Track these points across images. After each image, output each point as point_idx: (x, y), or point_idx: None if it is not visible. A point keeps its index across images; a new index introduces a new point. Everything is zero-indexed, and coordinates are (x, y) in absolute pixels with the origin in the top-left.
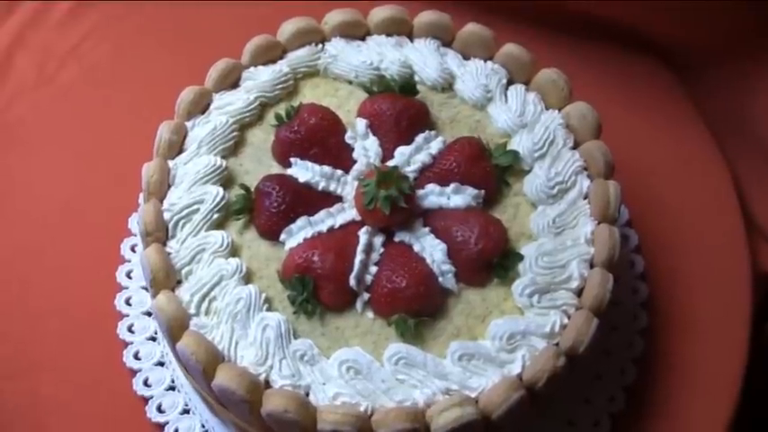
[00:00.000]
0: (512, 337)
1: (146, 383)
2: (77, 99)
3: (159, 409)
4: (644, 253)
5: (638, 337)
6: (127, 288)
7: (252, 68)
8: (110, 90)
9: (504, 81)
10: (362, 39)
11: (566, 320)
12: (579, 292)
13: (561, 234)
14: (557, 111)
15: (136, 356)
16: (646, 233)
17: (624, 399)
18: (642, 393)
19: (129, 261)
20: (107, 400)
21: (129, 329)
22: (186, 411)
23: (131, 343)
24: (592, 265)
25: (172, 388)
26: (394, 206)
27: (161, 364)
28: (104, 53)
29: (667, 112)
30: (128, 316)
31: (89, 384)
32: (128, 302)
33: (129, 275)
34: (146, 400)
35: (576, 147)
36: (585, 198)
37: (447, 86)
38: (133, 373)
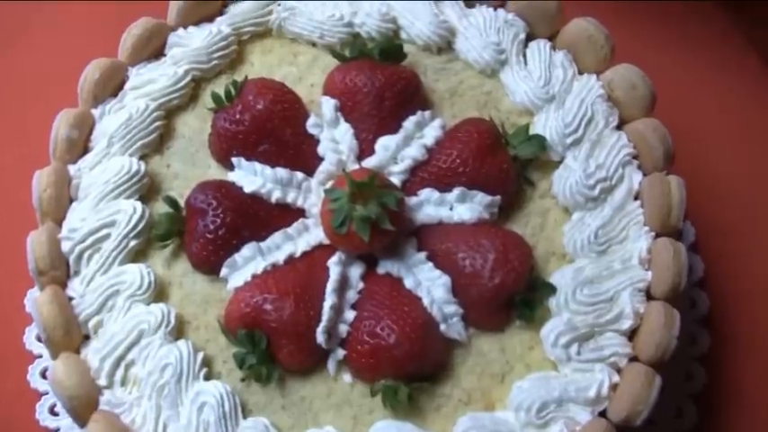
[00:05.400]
0: (544, 406)
1: None
2: None
3: None
4: (703, 253)
5: (697, 367)
6: None
7: (181, 31)
8: (4, 60)
9: (523, 36)
10: None
11: (616, 378)
12: (632, 334)
13: (606, 253)
14: (594, 76)
15: (52, 411)
16: (705, 227)
17: None
18: None
19: None
20: None
21: (44, 375)
22: None
23: (46, 393)
24: (648, 296)
25: None
26: (375, 229)
27: None
28: None
29: (734, 76)
30: (41, 357)
31: None
32: (40, 339)
33: None
34: None
35: (621, 126)
36: (636, 199)
37: (445, 46)
38: None
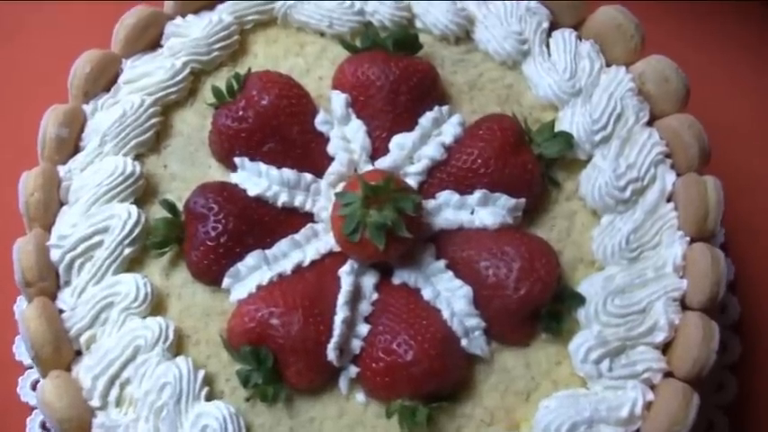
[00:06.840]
0: (573, 428)
1: None
2: None
3: None
4: (733, 255)
5: (728, 375)
6: None
7: (179, 19)
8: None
9: (546, 25)
10: None
11: (650, 396)
12: (665, 347)
13: (638, 259)
14: (624, 69)
15: (44, 427)
16: (735, 227)
17: None
18: None
19: None
20: None
21: (35, 387)
22: None
23: (36, 408)
24: (683, 305)
25: None
26: (391, 236)
27: None
28: None
29: None
30: (31, 368)
31: None
32: None
33: None
34: None
35: (652, 122)
36: (670, 201)
37: (463, 36)
38: None
